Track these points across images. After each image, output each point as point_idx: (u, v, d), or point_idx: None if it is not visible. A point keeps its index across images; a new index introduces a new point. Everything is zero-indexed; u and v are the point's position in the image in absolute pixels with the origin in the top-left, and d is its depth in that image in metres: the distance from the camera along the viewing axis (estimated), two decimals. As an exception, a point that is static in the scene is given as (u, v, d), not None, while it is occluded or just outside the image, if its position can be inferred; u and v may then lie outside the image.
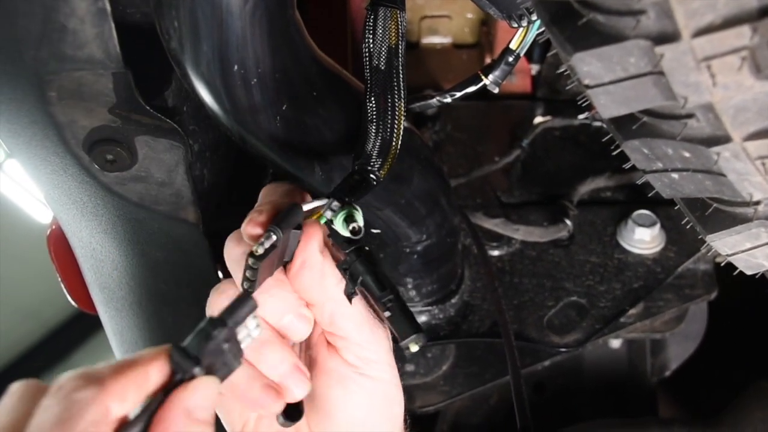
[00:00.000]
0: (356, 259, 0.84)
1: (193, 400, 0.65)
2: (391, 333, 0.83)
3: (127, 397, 0.63)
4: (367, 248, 0.84)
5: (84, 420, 0.60)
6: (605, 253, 1.66)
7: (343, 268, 0.85)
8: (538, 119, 1.94)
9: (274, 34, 0.92)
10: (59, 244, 1.66)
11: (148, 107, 1.02)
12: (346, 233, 0.83)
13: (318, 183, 1.05)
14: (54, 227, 1.69)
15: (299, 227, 0.83)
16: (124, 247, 1.22)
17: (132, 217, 1.16)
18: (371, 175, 0.91)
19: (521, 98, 2.06)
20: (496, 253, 1.66)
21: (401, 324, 0.79)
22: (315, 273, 0.84)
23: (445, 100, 1.08)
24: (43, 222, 7.00)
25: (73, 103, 1.00)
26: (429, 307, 1.53)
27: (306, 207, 0.85)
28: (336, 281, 0.85)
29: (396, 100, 0.94)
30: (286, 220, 0.81)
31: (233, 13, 0.87)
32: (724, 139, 0.66)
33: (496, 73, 1.03)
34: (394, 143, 0.94)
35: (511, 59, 1.01)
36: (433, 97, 1.09)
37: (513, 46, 0.99)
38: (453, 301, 1.55)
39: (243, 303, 0.70)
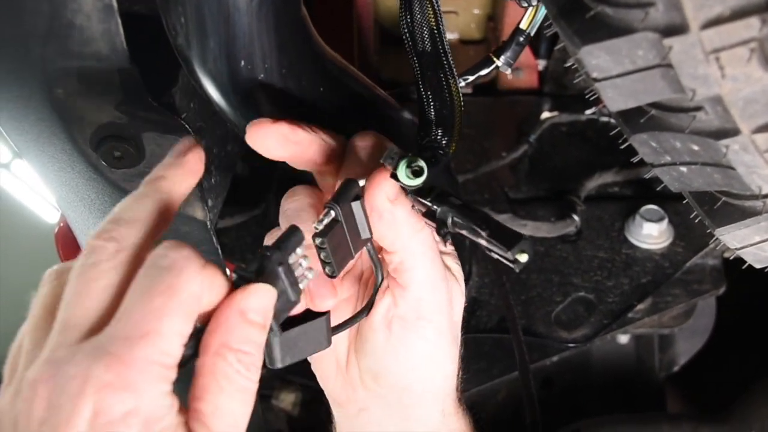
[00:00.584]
0: (440, 205, 0.82)
1: (247, 301, 0.70)
2: (497, 254, 0.81)
3: (213, 287, 0.70)
4: (444, 191, 0.83)
5: (189, 290, 0.67)
6: (613, 248, 1.65)
7: (431, 215, 0.83)
8: (545, 114, 1.93)
9: (280, 29, 0.92)
10: (67, 242, 1.66)
11: (155, 104, 1.02)
12: (409, 181, 0.83)
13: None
14: (62, 225, 1.69)
15: (357, 198, 0.83)
16: (132, 244, 1.22)
17: (139, 214, 1.16)
18: (439, 151, 0.90)
19: (528, 93, 2.05)
20: (503, 248, 1.65)
21: (503, 237, 0.77)
22: (385, 220, 0.84)
23: (459, 85, 1.07)
24: (50, 222, 7.02)
25: (80, 99, 1.00)
26: (437, 303, 1.52)
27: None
28: (411, 231, 0.85)
29: (450, 78, 0.93)
30: (342, 195, 0.81)
31: (240, 9, 0.87)
32: (733, 132, 0.66)
33: (508, 54, 1.02)
34: (456, 119, 0.93)
35: (521, 39, 1.00)
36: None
37: (523, 26, 0.98)
38: (461, 296, 1.55)
39: (292, 234, 0.76)
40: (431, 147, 0.91)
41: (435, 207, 0.83)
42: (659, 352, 1.89)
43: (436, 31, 0.93)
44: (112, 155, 1.06)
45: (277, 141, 0.88)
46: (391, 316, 0.90)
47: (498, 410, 1.79)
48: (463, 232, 0.81)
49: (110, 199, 1.13)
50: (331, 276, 0.83)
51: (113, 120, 1.03)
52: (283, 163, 0.95)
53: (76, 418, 0.61)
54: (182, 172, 0.80)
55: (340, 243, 0.82)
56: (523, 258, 0.75)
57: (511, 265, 0.76)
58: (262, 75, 0.93)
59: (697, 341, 1.94)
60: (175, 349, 0.66)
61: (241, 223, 1.73)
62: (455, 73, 0.94)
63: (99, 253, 0.70)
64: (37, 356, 0.66)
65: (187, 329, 0.67)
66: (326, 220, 0.80)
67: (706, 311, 1.87)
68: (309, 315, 0.86)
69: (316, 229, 0.80)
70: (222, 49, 0.89)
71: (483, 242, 0.79)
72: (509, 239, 0.76)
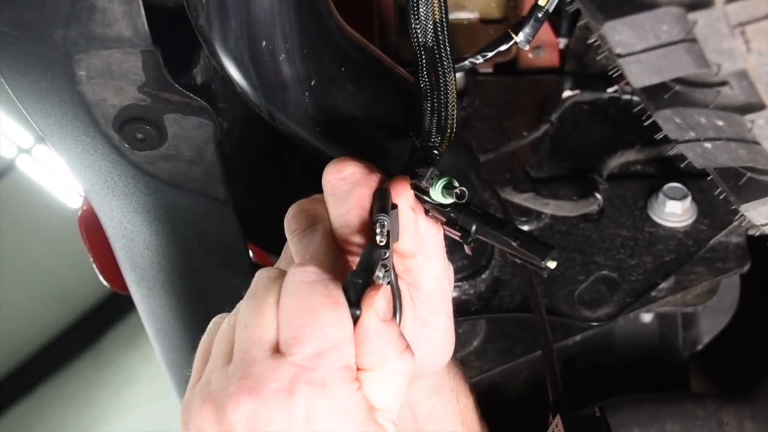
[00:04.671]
0: (461, 213, 0.85)
1: (379, 302, 0.77)
2: (524, 261, 0.83)
3: None
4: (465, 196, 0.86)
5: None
6: (636, 226, 1.64)
7: (452, 223, 0.86)
8: (566, 93, 1.92)
9: (301, 9, 0.92)
10: (90, 225, 1.67)
11: (177, 85, 1.02)
12: (446, 200, 0.86)
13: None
14: (85, 208, 1.70)
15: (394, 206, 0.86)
16: (155, 226, 1.23)
17: (162, 196, 1.17)
18: (434, 151, 0.93)
19: (549, 72, 2.04)
20: (525, 227, 1.65)
21: (533, 246, 0.80)
22: (409, 230, 0.87)
23: (477, 61, 1.07)
24: (72, 207, 7.08)
25: (102, 82, 1.01)
26: (459, 283, 1.53)
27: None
28: (429, 236, 0.88)
29: (447, 74, 0.96)
30: (386, 204, 0.85)
31: (261, -11, 0.87)
32: (759, 107, 0.66)
33: (527, 30, 1.01)
34: (450, 117, 0.96)
35: (540, 15, 1.00)
36: (465, 59, 1.08)
37: (542, 1, 0.98)
38: (483, 276, 1.55)
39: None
40: (425, 147, 0.94)
41: (454, 216, 0.85)
42: (683, 330, 1.88)
43: (439, 26, 0.94)
44: (135, 137, 1.07)
45: None
46: (413, 316, 0.94)
47: (521, 390, 1.79)
48: (489, 239, 0.84)
49: (133, 181, 1.14)
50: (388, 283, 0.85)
51: (135, 102, 1.03)
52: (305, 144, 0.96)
53: (292, 425, 0.71)
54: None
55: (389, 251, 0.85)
56: (552, 265, 0.79)
57: (539, 270, 0.80)
58: (283, 55, 0.93)
59: (721, 320, 1.92)
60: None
61: (260, 205, 1.73)
62: (454, 70, 0.96)
63: (264, 278, 0.80)
64: (228, 372, 0.75)
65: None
66: (385, 232, 0.83)
67: (730, 289, 1.86)
68: None
69: (381, 242, 0.83)
70: (243, 29, 0.89)
71: (509, 250, 0.82)
72: (540, 249, 0.79)
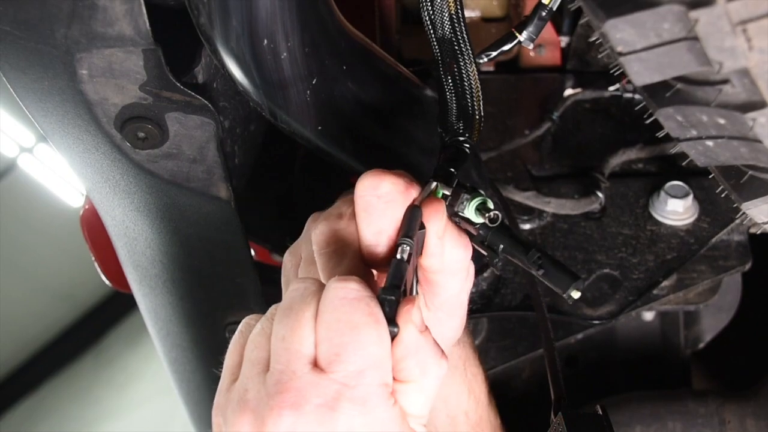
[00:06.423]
0: (490, 231, 0.85)
1: (416, 316, 0.77)
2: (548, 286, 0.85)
3: None
4: (498, 220, 0.86)
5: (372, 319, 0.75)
6: (638, 225, 1.64)
7: (480, 241, 0.86)
8: (568, 92, 1.92)
9: (303, 7, 0.92)
10: (92, 224, 1.67)
11: (178, 84, 1.02)
12: (478, 220, 0.86)
13: (349, 158, 1.05)
14: (87, 207, 1.70)
15: (422, 227, 0.84)
16: (157, 224, 1.23)
17: (164, 195, 1.17)
18: (464, 145, 0.93)
19: (551, 71, 2.04)
20: (527, 226, 1.65)
21: (557, 276, 0.82)
22: (435, 252, 0.85)
23: (481, 61, 1.07)
24: (74, 206, 7.09)
25: (104, 80, 1.01)
26: (461, 281, 1.52)
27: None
28: (455, 259, 0.87)
29: (468, 65, 0.95)
30: (412, 227, 0.83)
31: (262, -13, 0.87)
32: (760, 105, 0.66)
33: (530, 29, 1.01)
34: (477, 108, 0.96)
35: (544, 14, 1.00)
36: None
37: (546, 0, 0.98)
38: (485, 274, 1.55)
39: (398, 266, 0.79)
40: (455, 143, 0.94)
41: (483, 233, 0.86)
42: (684, 328, 1.88)
43: (455, 17, 0.94)
44: (136, 136, 1.07)
45: None
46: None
47: (522, 388, 1.79)
48: (515, 260, 0.85)
49: (135, 180, 1.14)
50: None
51: (137, 101, 1.03)
52: (306, 143, 0.96)
53: None
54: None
55: (410, 267, 0.84)
56: (576, 295, 0.81)
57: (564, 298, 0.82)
58: (285, 54, 0.93)
59: (723, 318, 1.92)
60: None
61: (264, 203, 1.73)
62: (474, 61, 0.95)
63: (300, 290, 0.79)
64: (266, 382, 0.74)
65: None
66: (405, 257, 0.81)
67: (732, 287, 1.86)
68: None
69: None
70: (245, 27, 0.89)
71: (534, 274, 0.84)
72: (564, 280, 0.82)
